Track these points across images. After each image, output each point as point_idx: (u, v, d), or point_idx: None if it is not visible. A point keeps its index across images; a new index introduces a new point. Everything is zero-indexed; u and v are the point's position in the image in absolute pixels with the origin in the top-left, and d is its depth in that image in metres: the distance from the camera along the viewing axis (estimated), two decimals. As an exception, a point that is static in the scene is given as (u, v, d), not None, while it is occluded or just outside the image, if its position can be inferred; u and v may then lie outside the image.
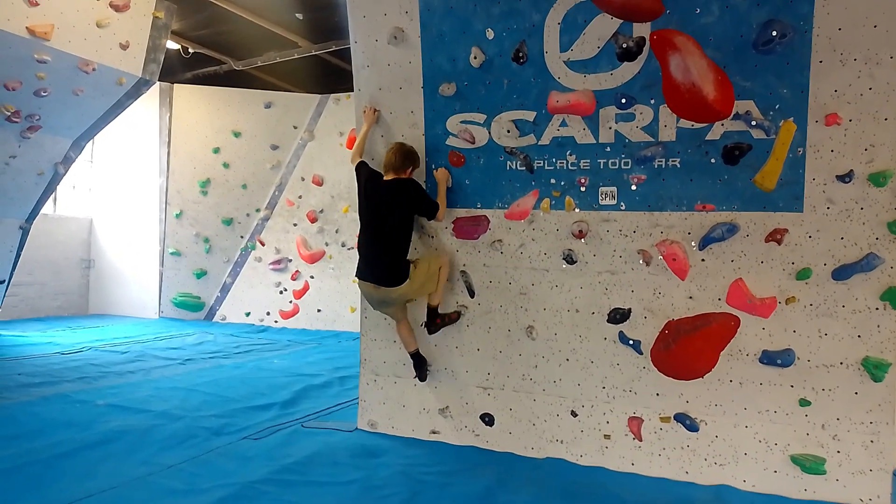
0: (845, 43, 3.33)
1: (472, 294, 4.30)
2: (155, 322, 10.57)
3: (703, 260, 3.71)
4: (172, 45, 9.37)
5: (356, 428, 4.65)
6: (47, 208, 10.14)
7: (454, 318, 4.33)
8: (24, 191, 8.04)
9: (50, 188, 8.37)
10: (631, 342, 3.87)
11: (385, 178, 4.20)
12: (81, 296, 11.54)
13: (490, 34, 4.02)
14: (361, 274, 4.22)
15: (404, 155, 4.16)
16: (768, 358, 3.58)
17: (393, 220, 4.10)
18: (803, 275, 3.50)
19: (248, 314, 10.74)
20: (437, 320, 4.29)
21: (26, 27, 6.35)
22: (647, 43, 3.65)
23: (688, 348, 3.73)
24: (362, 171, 4.34)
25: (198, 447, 4.17)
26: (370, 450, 4.21)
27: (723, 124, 3.58)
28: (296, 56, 9.74)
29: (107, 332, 9.20)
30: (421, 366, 4.36)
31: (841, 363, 3.47)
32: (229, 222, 10.80)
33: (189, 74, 10.83)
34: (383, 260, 4.13)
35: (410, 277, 4.10)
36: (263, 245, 10.74)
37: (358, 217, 4.39)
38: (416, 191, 4.15)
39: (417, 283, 4.15)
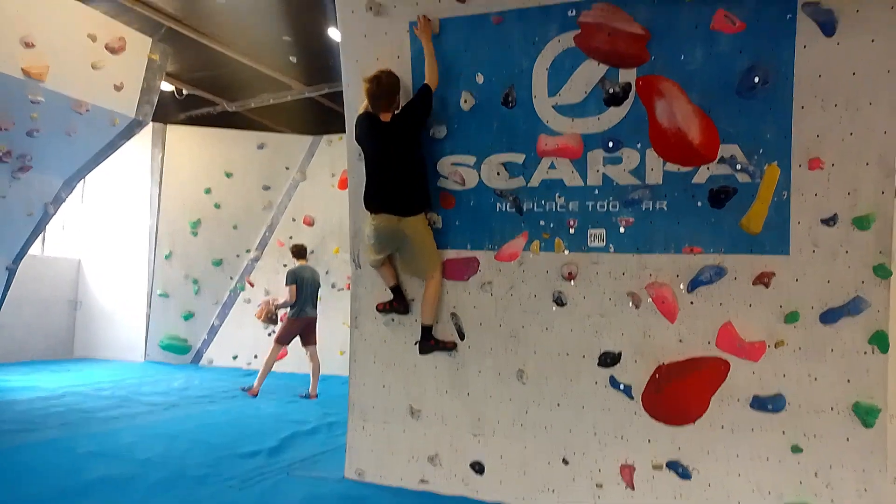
0: (826, 89, 3.40)
1: (461, 336, 4.26)
2: (140, 365, 10.40)
3: (691, 302, 3.70)
4: (166, 86, 9.47)
5: (343, 477, 4.54)
6: (35, 248, 10.06)
7: (449, 346, 4.24)
8: (13, 231, 7.99)
9: (39, 228, 8.32)
10: (622, 386, 3.83)
11: (381, 118, 4.08)
12: (67, 338, 11.35)
13: (480, 79, 4.09)
14: (374, 206, 4.11)
15: (387, 86, 4.04)
16: (759, 403, 3.54)
17: (401, 149, 4.03)
18: (791, 318, 3.50)
19: (235, 357, 10.60)
20: (430, 341, 4.20)
21: (21, 68, 6.40)
22: (633, 88, 3.72)
23: (679, 392, 3.70)
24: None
25: (181, 497, 4.05)
26: (357, 501, 4.10)
27: (708, 168, 3.62)
28: (289, 98, 9.87)
29: (91, 376, 9.03)
30: (403, 300, 4.32)
31: (831, 408, 3.44)
32: (219, 263, 10.75)
33: (182, 115, 10.92)
34: (400, 187, 4.04)
35: (424, 224, 4.10)
36: (253, 286, 10.68)
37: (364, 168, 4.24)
38: (410, 110, 4.06)
39: (427, 238, 4.14)
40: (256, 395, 7.79)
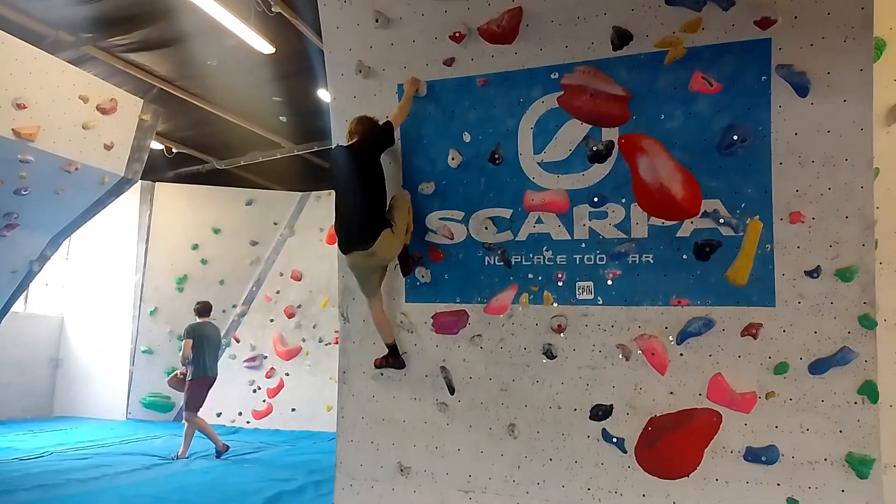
0: (803, 146, 3.53)
1: (451, 391, 4.23)
2: (122, 424, 10.13)
3: (681, 354, 3.72)
4: (156, 144, 9.58)
5: (331, 537, 4.42)
6: (17, 305, 9.91)
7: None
8: (-4, 288, 7.91)
9: (23, 286, 8.25)
10: (614, 440, 3.80)
11: (347, 142, 4.19)
12: (47, 397, 11.06)
13: (467, 137, 4.20)
14: (343, 245, 4.13)
15: (361, 122, 4.17)
16: (753, 455, 3.53)
17: (361, 172, 4.06)
18: (781, 369, 3.52)
19: (219, 415, 10.35)
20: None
21: (12, 129, 6.46)
22: (616, 146, 3.84)
23: (672, 446, 3.68)
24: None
25: (161, 562, 3.91)
26: (346, 561, 3.98)
27: (692, 222, 3.71)
28: (278, 156, 10.01)
29: (71, 436, 8.78)
30: (398, 355, 4.30)
31: (825, 459, 3.43)
32: (205, 319, 10.64)
33: (171, 173, 11.02)
34: (360, 216, 4.04)
35: (391, 234, 4.05)
36: (238, 342, 10.55)
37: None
38: (368, 138, 4.12)
39: (399, 235, 4.12)
40: (225, 451, 7.45)
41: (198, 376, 7.44)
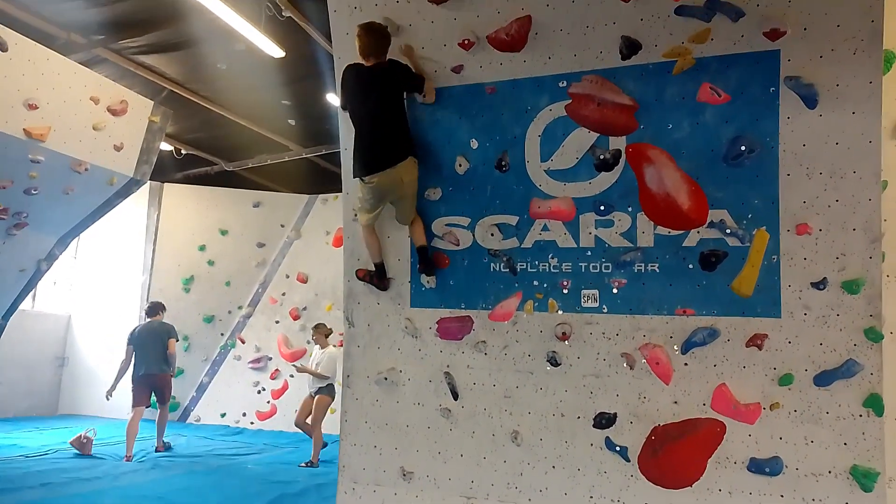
0: (810, 158, 3.52)
1: (455, 396, 4.24)
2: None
3: (686, 364, 3.72)
4: (165, 146, 9.63)
5: (333, 541, 4.42)
6: (25, 304, 9.98)
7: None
8: (4, 287, 7.96)
9: (31, 285, 8.30)
10: (618, 448, 3.80)
11: (367, 64, 4.08)
12: (52, 395, 11.12)
13: (474, 144, 4.21)
14: (368, 170, 4.04)
15: (376, 34, 4.05)
16: (756, 466, 3.52)
17: (383, 103, 4.01)
18: (785, 380, 3.52)
19: (223, 415, 10.41)
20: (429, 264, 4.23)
21: (23, 129, 6.51)
22: (623, 155, 3.84)
23: (675, 455, 3.67)
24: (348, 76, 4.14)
25: (163, 562, 3.92)
26: (347, 565, 3.98)
27: (699, 232, 3.71)
28: (286, 159, 10.06)
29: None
30: (384, 277, 4.31)
31: (829, 472, 3.42)
32: (210, 319, 10.68)
33: (180, 174, 11.08)
34: (387, 138, 4.01)
35: (414, 163, 4.06)
36: (244, 343, 10.59)
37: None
38: (403, 68, 4.08)
39: (416, 188, 4.13)
40: (130, 460, 7.31)
41: (133, 377, 7.71)
